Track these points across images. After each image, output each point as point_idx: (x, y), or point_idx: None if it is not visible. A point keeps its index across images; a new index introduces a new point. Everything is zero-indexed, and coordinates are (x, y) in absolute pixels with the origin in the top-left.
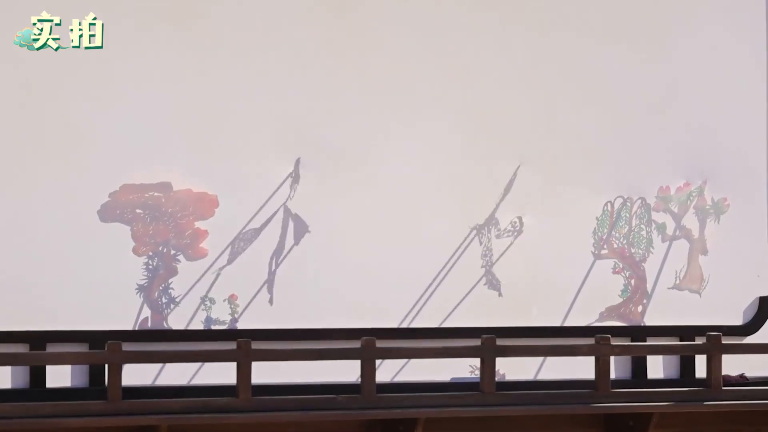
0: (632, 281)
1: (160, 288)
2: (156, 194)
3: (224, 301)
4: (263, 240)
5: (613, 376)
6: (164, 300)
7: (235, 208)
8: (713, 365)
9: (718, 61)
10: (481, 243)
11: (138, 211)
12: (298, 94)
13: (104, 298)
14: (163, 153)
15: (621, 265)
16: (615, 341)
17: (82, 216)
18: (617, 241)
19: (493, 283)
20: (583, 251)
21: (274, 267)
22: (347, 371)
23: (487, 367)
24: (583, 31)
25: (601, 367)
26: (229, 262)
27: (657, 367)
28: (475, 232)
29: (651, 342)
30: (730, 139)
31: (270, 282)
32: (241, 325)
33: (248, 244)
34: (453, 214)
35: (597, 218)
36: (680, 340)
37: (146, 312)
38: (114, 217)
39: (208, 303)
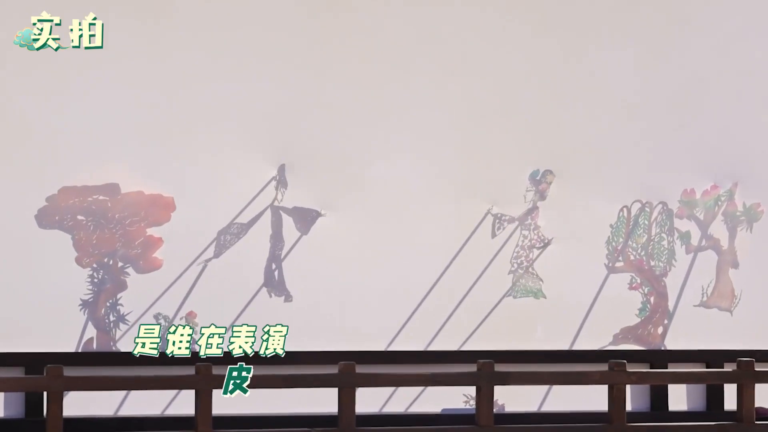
0: (651, 298)
1: (107, 304)
2: (101, 198)
3: (181, 319)
4: (231, 248)
5: (629, 407)
6: (112, 318)
7: (195, 212)
8: (745, 396)
9: (745, 54)
10: (500, 235)
11: (80, 217)
12: (266, 89)
13: (43, 315)
14: (108, 151)
15: (639, 280)
16: (631, 367)
17: (17, 222)
18: (634, 252)
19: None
20: (596, 263)
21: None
22: (324, 401)
23: (484, 397)
24: (597, 25)
25: (616, 398)
26: (189, 274)
27: (680, 397)
28: (474, 239)
29: (673, 369)
30: (763, 136)
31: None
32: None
33: (213, 253)
34: (449, 219)
35: (611, 226)
36: (707, 367)
37: (91, 331)
38: (53, 224)
39: (162, 321)
